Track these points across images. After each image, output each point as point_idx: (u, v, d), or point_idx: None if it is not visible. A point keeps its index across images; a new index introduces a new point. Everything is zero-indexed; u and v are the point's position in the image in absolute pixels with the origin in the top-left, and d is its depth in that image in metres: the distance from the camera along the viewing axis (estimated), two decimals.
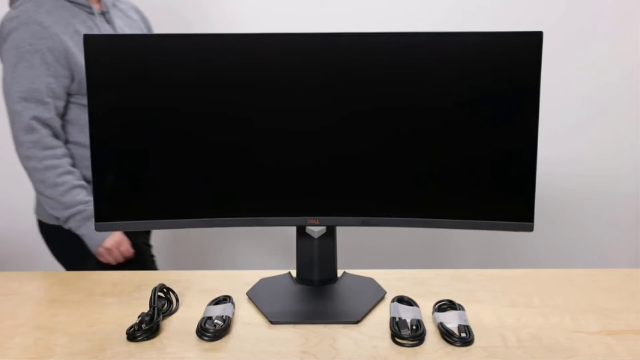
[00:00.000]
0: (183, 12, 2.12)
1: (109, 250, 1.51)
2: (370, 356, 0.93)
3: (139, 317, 1.02)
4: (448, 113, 1.03)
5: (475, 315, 1.06)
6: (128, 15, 1.64)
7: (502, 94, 1.02)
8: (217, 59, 1.03)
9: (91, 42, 1.02)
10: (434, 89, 1.03)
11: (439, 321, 1.01)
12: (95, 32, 1.49)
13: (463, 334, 0.97)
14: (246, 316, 1.07)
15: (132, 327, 1.00)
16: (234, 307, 1.08)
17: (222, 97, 1.04)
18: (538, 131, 1.02)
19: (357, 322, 1.03)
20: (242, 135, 1.05)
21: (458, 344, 0.96)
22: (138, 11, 1.70)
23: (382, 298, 1.13)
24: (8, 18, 1.44)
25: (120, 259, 1.53)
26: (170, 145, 1.06)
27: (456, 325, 1.00)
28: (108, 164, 1.05)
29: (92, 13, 1.51)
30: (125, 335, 0.99)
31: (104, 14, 1.54)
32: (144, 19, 1.71)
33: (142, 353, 0.95)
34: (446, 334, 0.98)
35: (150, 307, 1.05)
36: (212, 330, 0.99)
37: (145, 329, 0.99)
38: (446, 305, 1.07)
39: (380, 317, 1.06)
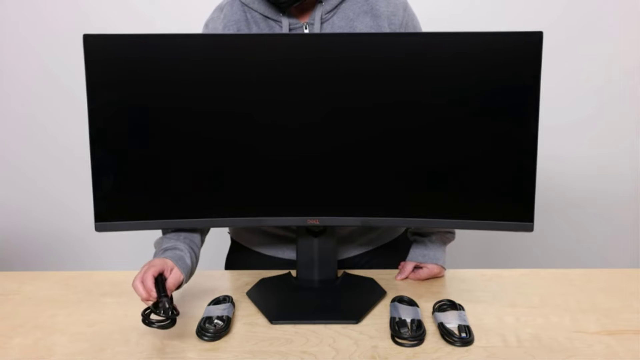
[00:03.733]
0: (183, 12, 2.11)
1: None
2: (370, 356, 0.93)
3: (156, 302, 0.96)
4: (449, 113, 1.03)
5: (475, 315, 1.06)
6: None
7: (502, 94, 1.02)
8: (216, 58, 1.03)
9: (90, 42, 1.02)
10: (435, 88, 1.03)
11: (439, 321, 1.01)
12: None
13: (463, 334, 0.97)
14: (246, 316, 1.07)
15: (147, 309, 0.96)
16: (234, 307, 1.08)
17: (222, 96, 1.04)
18: (538, 131, 1.02)
19: (357, 322, 1.03)
20: (242, 135, 1.05)
21: (458, 344, 0.96)
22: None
23: (382, 298, 1.13)
24: None
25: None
26: (170, 145, 1.06)
27: (456, 325, 1.00)
28: (108, 164, 1.05)
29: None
30: (124, 335, 0.99)
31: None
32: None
33: (142, 353, 0.95)
34: (446, 334, 0.97)
35: (159, 296, 0.96)
36: (212, 330, 0.98)
37: (163, 316, 0.93)
38: (446, 305, 1.07)
39: (380, 317, 1.06)
